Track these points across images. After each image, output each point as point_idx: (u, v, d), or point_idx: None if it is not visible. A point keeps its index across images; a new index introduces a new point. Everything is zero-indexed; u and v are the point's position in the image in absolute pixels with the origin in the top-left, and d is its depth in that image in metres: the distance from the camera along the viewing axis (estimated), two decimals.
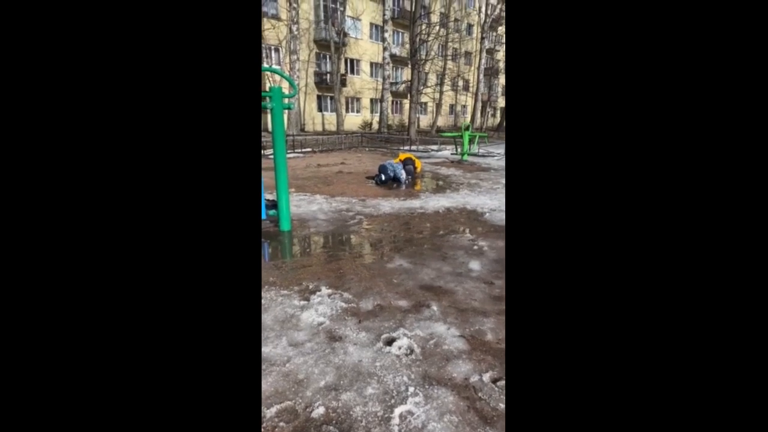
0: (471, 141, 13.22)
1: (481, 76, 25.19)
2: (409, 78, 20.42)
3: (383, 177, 6.65)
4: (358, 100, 26.90)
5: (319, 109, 24.52)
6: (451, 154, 11.23)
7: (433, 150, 13.02)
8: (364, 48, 23.75)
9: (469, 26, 29.27)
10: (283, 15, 18.08)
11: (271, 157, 6.30)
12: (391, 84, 26.47)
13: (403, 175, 6.97)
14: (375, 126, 28.63)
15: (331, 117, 26.76)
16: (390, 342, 1.96)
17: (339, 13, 20.69)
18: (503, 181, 7.19)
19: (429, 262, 3.02)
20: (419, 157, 10.21)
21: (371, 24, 23.17)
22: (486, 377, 1.47)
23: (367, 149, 14.00)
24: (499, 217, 4.27)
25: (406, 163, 7.30)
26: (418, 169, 7.73)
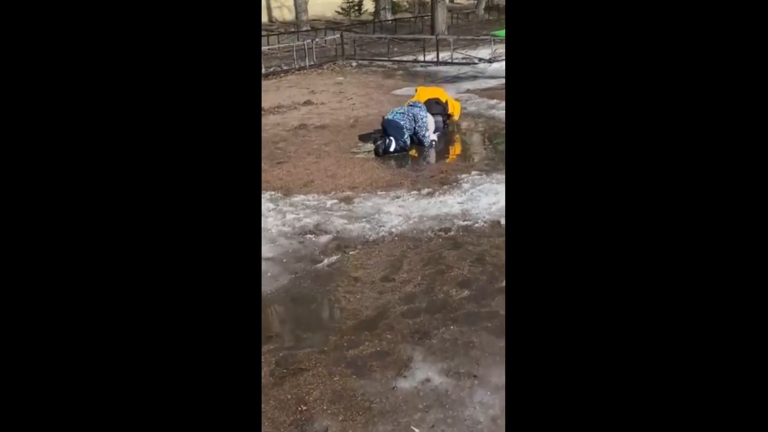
0: None
1: None
2: None
3: (394, 144, 6.15)
4: None
5: None
6: None
7: (482, 60, 12.31)
8: None
9: None
10: None
11: None
12: None
13: (429, 134, 6.47)
14: (368, 9, 27.56)
15: None
16: None
17: None
18: None
19: (487, 371, 2.63)
20: (455, 81, 9.63)
21: None
22: None
23: (354, 64, 13.36)
24: None
25: (430, 107, 6.76)
26: (455, 117, 7.21)
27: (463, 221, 4.32)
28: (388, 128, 6.25)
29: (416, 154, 6.26)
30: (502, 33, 11.83)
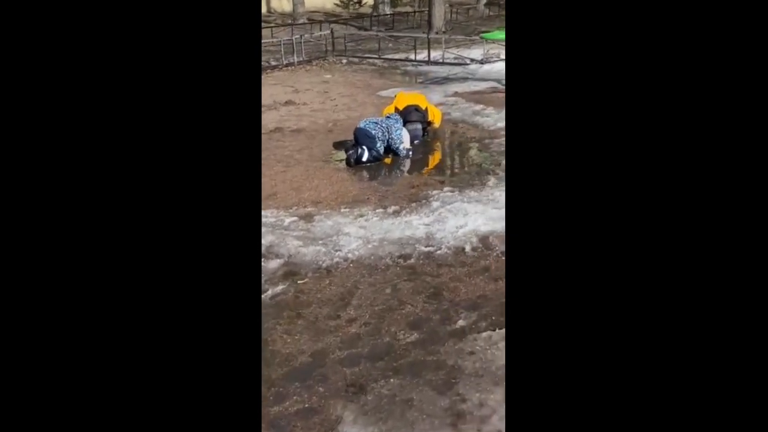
0: None
1: None
2: None
3: (366, 154, 5.82)
4: None
5: None
6: None
7: (474, 60, 11.94)
8: None
9: None
10: None
11: None
12: None
13: (405, 144, 6.14)
14: (368, 1, 27.07)
15: None
16: None
17: None
18: None
19: None
20: (444, 82, 9.27)
21: None
22: None
23: (345, 61, 13.00)
24: None
25: (409, 114, 6.43)
26: (436, 124, 6.88)
27: (426, 247, 4.01)
28: (360, 137, 5.92)
29: (390, 164, 5.94)
30: (493, 35, 11.46)
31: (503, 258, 3.81)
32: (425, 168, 5.96)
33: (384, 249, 4.00)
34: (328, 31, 14.45)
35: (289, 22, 20.52)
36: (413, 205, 4.74)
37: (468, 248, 3.97)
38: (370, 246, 4.04)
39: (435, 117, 6.78)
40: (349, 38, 14.68)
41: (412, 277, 3.63)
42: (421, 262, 3.82)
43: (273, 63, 12.35)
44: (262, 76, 11.09)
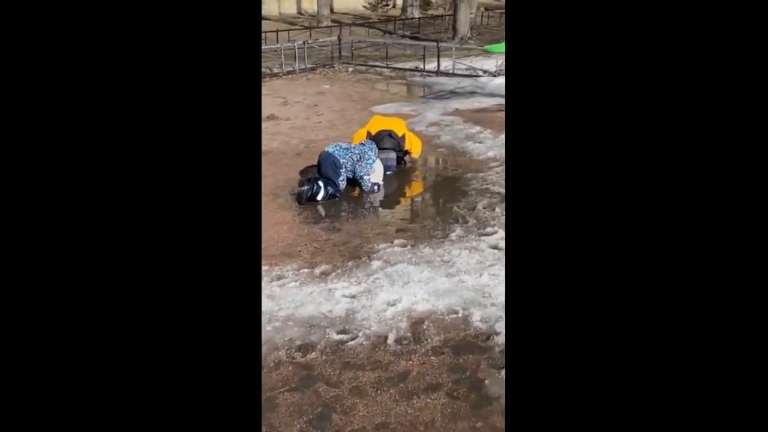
0: None
1: None
2: None
3: (322, 192, 4.91)
4: None
5: None
6: None
7: (487, 72, 10.89)
8: None
9: None
10: None
11: None
12: None
13: (374, 177, 5.22)
14: (399, 4, 26.20)
15: None
16: None
17: None
18: None
19: None
20: (448, 97, 8.27)
21: None
22: None
23: (351, 69, 12.13)
24: None
25: (381, 141, 5.50)
26: (413, 154, 5.92)
27: (338, 333, 3.09)
28: (324, 164, 5.04)
29: (349, 201, 5.02)
30: (498, 48, 10.44)
31: (432, 358, 2.86)
32: (384, 210, 5.01)
33: (285, 334, 3.09)
34: (353, 35, 13.59)
35: (315, 24, 19.80)
36: (349, 264, 3.83)
37: (391, 338, 3.03)
38: (269, 328, 3.14)
39: (413, 146, 5.83)
40: (367, 43, 13.81)
41: (301, 385, 2.71)
42: (323, 359, 2.90)
43: (275, 70, 11.58)
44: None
